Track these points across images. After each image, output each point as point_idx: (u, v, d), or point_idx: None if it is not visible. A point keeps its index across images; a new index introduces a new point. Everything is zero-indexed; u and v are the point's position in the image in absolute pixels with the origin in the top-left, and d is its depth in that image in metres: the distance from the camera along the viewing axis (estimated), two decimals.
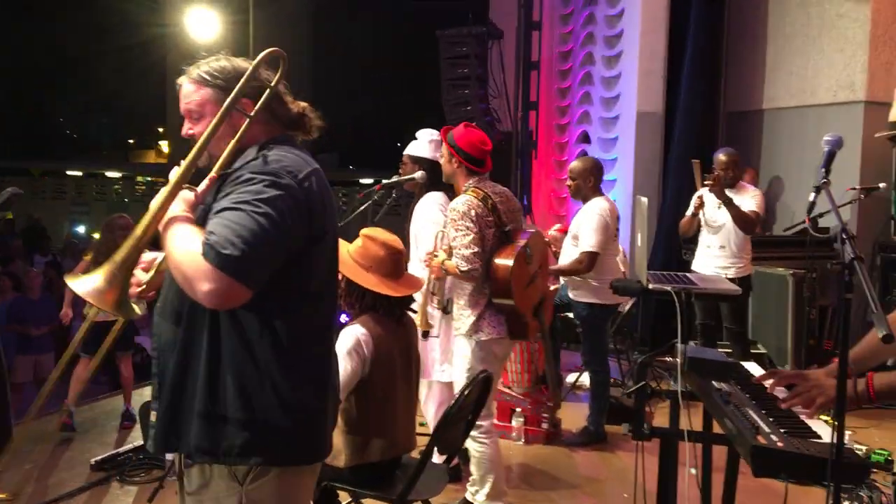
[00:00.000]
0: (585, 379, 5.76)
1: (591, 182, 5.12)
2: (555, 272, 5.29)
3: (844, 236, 1.92)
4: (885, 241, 6.68)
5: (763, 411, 2.24)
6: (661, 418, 4.59)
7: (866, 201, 6.38)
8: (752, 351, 6.36)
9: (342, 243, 3.03)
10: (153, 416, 2.02)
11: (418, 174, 4.36)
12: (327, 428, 2.11)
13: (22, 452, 4.92)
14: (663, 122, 7.96)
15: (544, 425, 5.21)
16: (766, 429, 2.09)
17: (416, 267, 4.19)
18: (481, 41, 8.94)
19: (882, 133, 6.63)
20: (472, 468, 3.90)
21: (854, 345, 2.30)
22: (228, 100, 1.96)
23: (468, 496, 3.95)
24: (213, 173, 1.96)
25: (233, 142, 1.97)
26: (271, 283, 1.86)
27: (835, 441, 1.84)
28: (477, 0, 9.85)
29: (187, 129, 2.05)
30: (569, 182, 5.24)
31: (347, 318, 3.24)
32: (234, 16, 16.18)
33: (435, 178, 4.21)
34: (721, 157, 5.72)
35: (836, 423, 1.86)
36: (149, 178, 30.35)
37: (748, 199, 5.62)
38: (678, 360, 2.63)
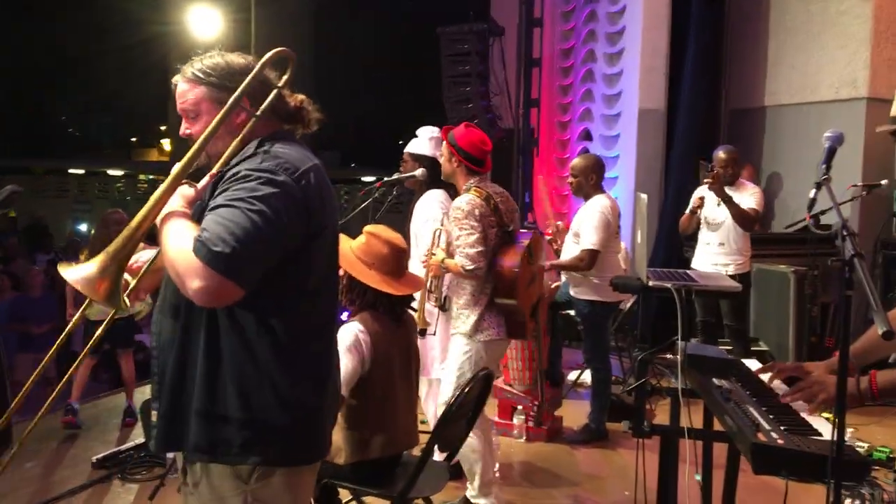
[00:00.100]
0: (587, 377, 5.76)
1: (592, 179, 5.12)
2: (556, 267, 5.29)
3: (845, 233, 1.92)
4: (886, 238, 6.66)
5: (763, 408, 2.24)
6: (662, 416, 4.59)
7: (868, 198, 6.36)
8: (754, 348, 6.36)
9: (345, 239, 3.03)
10: (154, 416, 2.00)
11: (419, 172, 4.36)
12: (327, 426, 2.10)
13: (24, 451, 4.92)
14: (665, 119, 7.94)
15: (530, 423, 5.21)
16: (767, 426, 2.09)
17: (417, 265, 4.19)
18: (482, 38, 8.92)
19: (883, 127, 6.62)
20: (461, 462, 3.90)
21: (855, 341, 2.30)
22: (231, 100, 1.94)
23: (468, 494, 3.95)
24: (213, 170, 1.95)
25: (236, 140, 1.97)
26: (269, 281, 1.85)
27: (835, 438, 1.84)
28: None
29: (184, 128, 2.04)
30: (570, 179, 5.24)
31: (347, 315, 3.23)
32: (236, 14, 16.19)
33: (435, 176, 4.20)
34: (720, 154, 5.72)
35: (836, 420, 1.85)
36: (151, 177, 30.36)
37: (747, 197, 5.62)
38: (678, 357, 2.62)
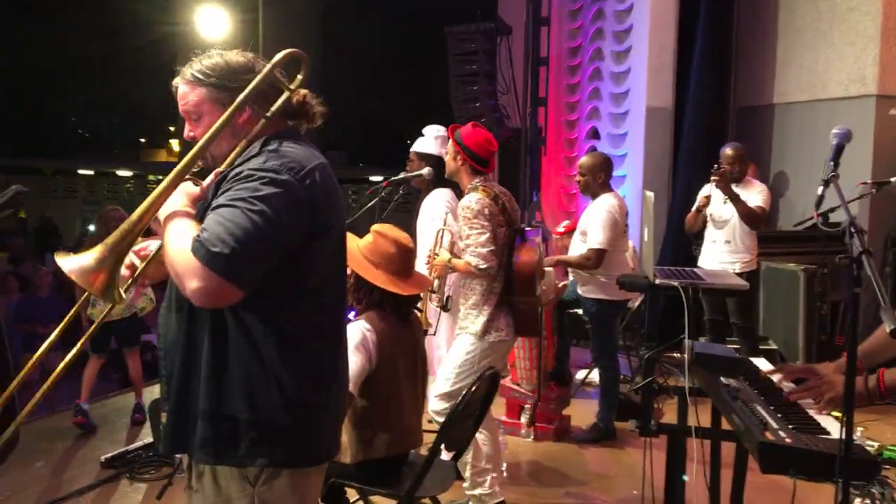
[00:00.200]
0: (595, 376, 5.75)
1: (600, 178, 5.10)
2: (562, 263, 5.29)
3: (853, 230, 1.90)
4: None
5: (771, 407, 2.23)
6: (670, 415, 4.57)
7: (878, 196, 6.30)
8: (763, 347, 6.33)
9: (352, 238, 3.01)
10: (163, 417, 1.99)
11: (425, 170, 4.36)
12: (334, 427, 2.08)
13: (33, 450, 4.95)
14: (673, 117, 7.92)
15: (523, 419, 5.19)
16: (775, 425, 2.08)
17: (422, 264, 4.19)
18: (489, 37, 8.90)
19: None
20: None
21: (864, 340, 2.28)
22: (236, 102, 1.92)
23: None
24: (218, 169, 1.94)
25: (244, 142, 1.95)
26: (275, 281, 1.83)
27: (844, 437, 1.83)
28: None
29: (188, 131, 2.02)
30: (578, 178, 5.23)
31: (354, 314, 3.23)
32: (244, 14, 16.19)
33: (442, 175, 4.21)
34: (727, 151, 5.70)
35: (844, 418, 1.84)
36: (160, 177, 30.18)
37: (754, 195, 5.60)
38: (686, 356, 2.61)
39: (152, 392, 5.73)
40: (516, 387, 5.29)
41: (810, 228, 6.32)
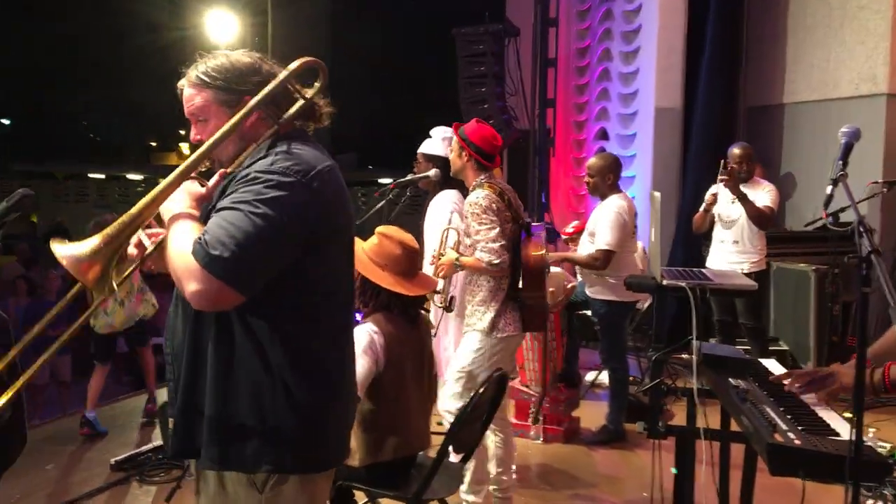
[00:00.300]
0: (604, 377, 5.73)
1: (609, 179, 5.09)
2: (569, 260, 5.28)
3: (862, 229, 1.89)
4: None
5: (781, 408, 2.21)
6: (681, 416, 4.55)
7: (889, 195, 6.27)
8: (774, 348, 6.30)
9: (357, 241, 3.01)
10: (171, 422, 1.97)
11: (432, 172, 4.35)
12: (342, 431, 2.05)
13: (43, 453, 4.97)
14: (682, 117, 7.90)
15: (531, 419, 5.18)
16: (784, 426, 2.06)
17: (428, 264, 4.18)
18: (498, 39, 8.91)
19: None
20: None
21: (875, 341, 2.27)
22: (246, 108, 1.88)
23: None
24: (224, 169, 1.91)
25: (253, 146, 1.93)
26: (282, 284, 1.81)
27: (853, 438, 1.81)
28: None
29: (195, 135, 1.98)
30: (587, 179, 5.21)
31: (361, 317, 3.22)
32: (253, 17, 16.24)
33: (449, 176, 4.19)
34: (735, 151, 5.67)
35: (855, 419, 1.82)
36: None
37: (762, 194, 5.57)
38: (694, 357, 2.60)
39: (161, 395, 5.75)
40: (525, 388, 5.27)
41: (821, 228, 6.28)
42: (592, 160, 5.26)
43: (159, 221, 1.89)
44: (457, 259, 3.78)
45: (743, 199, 5.43)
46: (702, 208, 5.75)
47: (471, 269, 3.75)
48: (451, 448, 3.06)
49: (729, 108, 7.91)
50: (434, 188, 4.43)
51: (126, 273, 1.89)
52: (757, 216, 5.47)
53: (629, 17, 8.48)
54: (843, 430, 2.03)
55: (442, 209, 4.31)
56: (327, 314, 1.94)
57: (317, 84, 1.97)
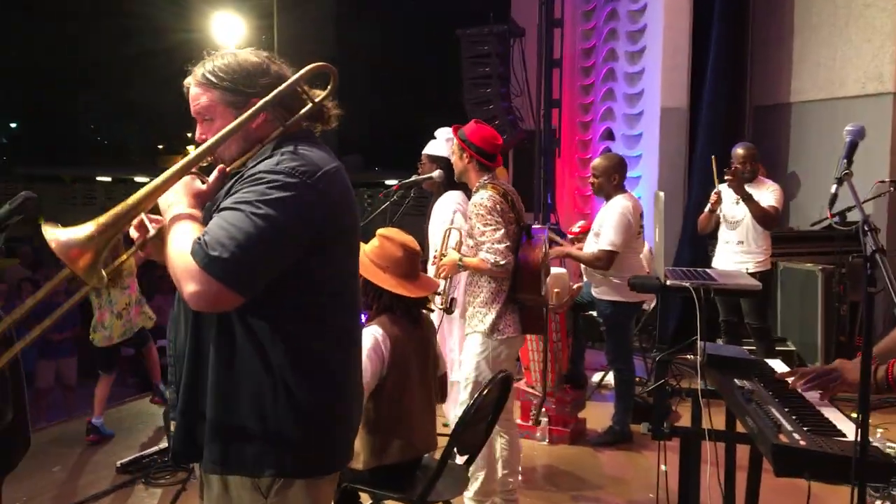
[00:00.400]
0: (611, 378, 5.71)
1: (615, 180, 5.07)
2: (571, 257, 5.27)
3: (866, 228, 1.87)
4: None
5: (786, 409, 2.20)
6: (687, 417, 4.54)
7: None
8: (781, 348, 6.27)
9: None
10: (173, 426, 1.95)
11: (436, 173, 4.34)
12: (347, 434, 2.01)
13: (49, 455, 4.98)
14: (688, 117, 7.87)
15: (530, 421, 5.17)
16: (789, 427, 2.05)
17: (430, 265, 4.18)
18: (503, 39, 8.89)
19: None
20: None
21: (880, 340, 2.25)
22: (252, 110, 1.86)
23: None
24: (223, 165, 1.89)
25: (259, 146, 1.91)
26: (286, 285, 1.79)
27: (859, 439, 1.80)
28: None
29: (200, 134, 1.96)
30: (592, 180, 5.20)
31: (365, 319, 3.21)
32: (259, 20, 16.27)
33: (453, 177, 4.18)
34: (739, 151, 5.65)
35: (860, 418, 1.81)
36: None
37: (767, 194, 5.55)
38: (698, 357, 2.58)
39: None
40: (531, 390, 5.26)
41: (828, 228, 6.26)
42: (597, 161, 5.25)
43: (156, 214, 1.87)
44: (459, 260, 3.77)
45: (747, 199, 5.41)
46: (707, 209, 5.74)
47: (474, 270, 3.74)
48: (455, 450, 3.06)
49: (735, 107, 7.89)
50: (438, 189, 4.42)
51: (122, 258, 1.86)
52: (762, 216, 5.45)
53: (634, 16, 8.45)
54: (849, 431, 2.01)
55: (445, 210, 4.30)
56: (332, 315, 1.92)
57: (328, 87, 1.95)
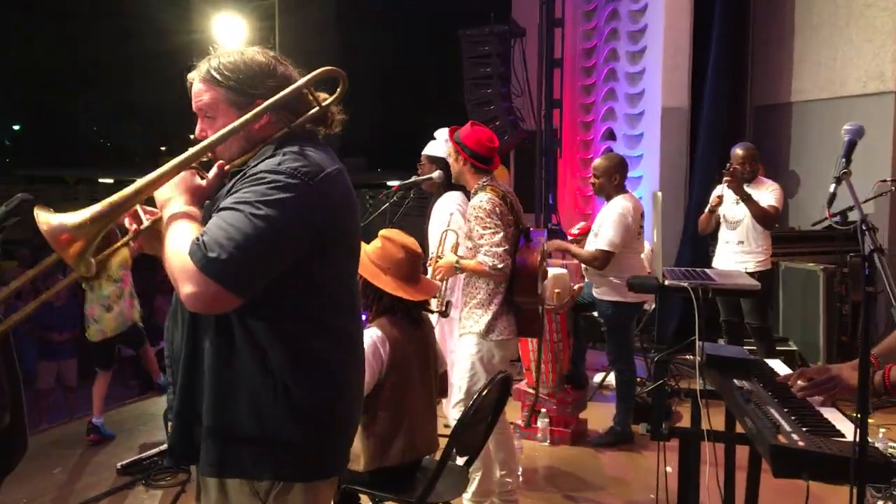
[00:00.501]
0: (612, 379, 5.70)
1: (616, 180, 5.06)
2: (568, 252, 5.27)
3: (864, 227, 1.87)
4: None
5: (785, 409, 2.19)
6: (688, 417, 4.53)
7: None
8: (783, 348, 6.25)
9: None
10: (170, 427, 1.93)
11: (436, 174, 4.33)
12: (347, 439, 1.99)
13: (50, 457, 4.98)
14: (689, 117, 7.86)
15: (539, 423, 5.16)
16: (788, 427, 2.04)
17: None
18: (503, 40, 8.88)
19: None
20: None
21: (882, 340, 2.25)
22: (255, 111, 1.83)
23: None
24: (222, 161, 1.87)
25: (261, 146, 1.89)
26: (285, 286, 1.77)
27: (858, 440, 1.79)
28: None
29: (200, 131, 1.93)
30: (593, 180, 5.18)
31: (365, 320, 3.20)
32: (261, 22, 16.26)
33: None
34: (738, 151, 5.64)
35: (859, 418, 1.80)
36: None
37: (766, 194, 5.53)
38: (697, 358, 2.57)
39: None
40: (532, 390, 5.25)
41: (829, 228, 6.25)
42: (598, 161, 5.24)
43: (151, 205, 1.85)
44: (457, 262, 3.76)
45: (747, 199, 5.39)
46: (707, 209, 5.73)
47: (472, 273, 3.73)
48: (455, 451, 3.05)
49: (736, 107, 7.90)
50: (438, 190, 4.41)
51: (112, 248, 1.85)
52: (761, 216, 5.43)
53: (635, 16, 8.44)
54: (848, 432, 2.00)
55: (444, 211, 4.30)
56: (332, 316, 1.90)
57: (337, 91, 1.92)
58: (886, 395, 2.11)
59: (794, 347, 6.39)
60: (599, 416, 5.45)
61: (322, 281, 1.86)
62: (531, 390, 5.24)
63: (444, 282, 3.96)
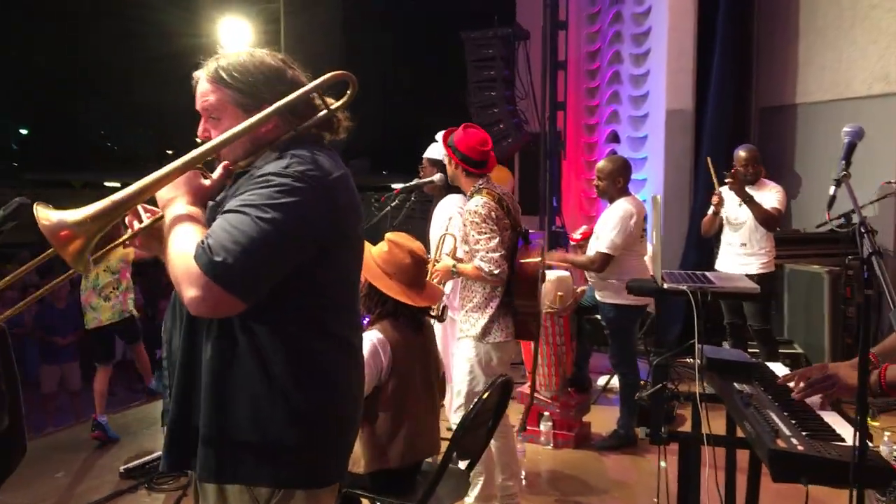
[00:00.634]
0: (616, 382, 5.68)
1: (619, 183, 5.05)
2: (568, 261, 5.25)
3: (863, 230, 1.86)
4: None
5: (785, 413, 2.18)
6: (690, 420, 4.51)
7: None
8: (788, 350, 6.23)
9: (366, 246, 2.96)
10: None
11: (437, 177, 4.33)
12: (347, 445, 1.97)
13: (53, 461, 4.99)
14: (693, 119, 7.83)
15: (542, 427, 5.14)
16: (787, 431, 2.03)
17: None
18: (507, 42, 8.88)
19: None
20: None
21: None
22: (263, 114, 1.80)
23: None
24: (226, 162, 1.85)
25: (266, 149, 1.86)
26: (288, 290, 1.75)
27: (857, 444, 1.78)
28: (503, 1, 9.78)
29: (203, 130, 1.91)
30: (596, 182, 5.17)
31: (367, 322, 3.20)
32: (266, 25, 16.30)
33: None
34: (741, 153, 5.62)
35: (858, 421, 1.79)
36: None
37: (769, 195, 5.50)
38: (696, 361, 2.56)
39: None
40: (535, 394, 5.23)
41: (833, 230, 6.23)
42: (602, 163, 5.22)
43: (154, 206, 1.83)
44: (453, 266, 3.75)
45: (749, 201, 5.37)
46: (710, 211, 5.71)
47: (468, 277, 3.73)
48: (456, 455, 3.04)
49: (740, 109, 7.86)
50: (439, 193, 4.41)
51: (111, 245, 1.83)
52: (764, 218, 5.41)
53: (639, 19, 8.43)
54: (848, 435, 1.99)
55: (444, 214, 4.30)
56: (333, 318, 1.88)
57: (346, 95, 1.89)
58: (882, 395, 2.10)
59: (799, 350, 6.36)
60: (603, 419, 5.43)
61: (325, 283, 1.84)
62: (535, 393, 5.23)
63: (441, 285, 3.96)
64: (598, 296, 5.12)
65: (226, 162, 1.86)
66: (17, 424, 2.34)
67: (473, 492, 3.77)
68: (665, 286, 3.05)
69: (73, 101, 40.22)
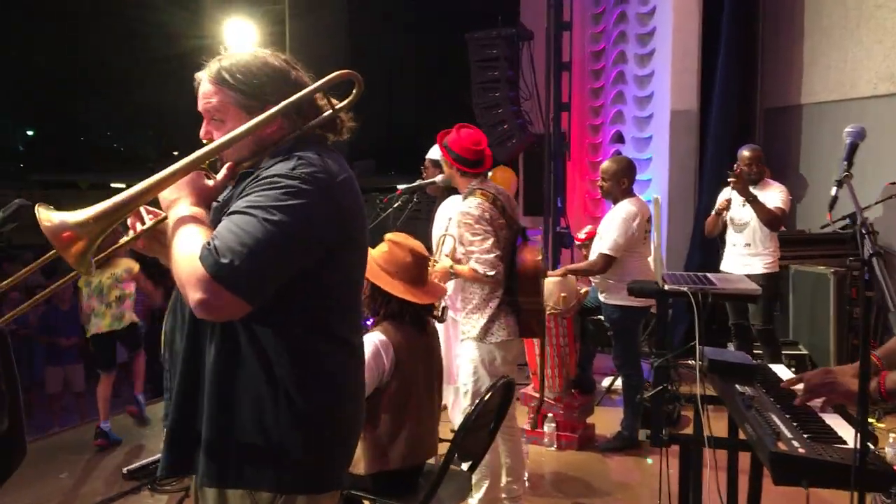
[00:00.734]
0: (620, 383, 5.66)
1: (624, 184, 5.04)
2: (570, 271, 5.23)
3: (864, 231, 1.84)
4: None
5: (787, 415, 2.17)
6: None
7: None
8: (793, 352, 6.21)
9: None
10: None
11: (439, 178, 4.33)
12: (350, 450, 1.96)
13: (57, 461, 4.99)
14: (698, 119, 7.81)
15: (546, 428, 5.14)
16: (789, 434, 2.02)
17: None
18: (511, 43, 8.83)
19: None
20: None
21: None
22: (267, 114, 1.79)
23: None
24: (231, 163, 1.84)
25: (271, 149, 1.85)
26: (292, 292, 1.74)
27: (858, 447, 1.77)
28: (507, 2, 9.76)
29: (205, 132, 1.89)
30: (601, 183, 5.16)
31: (371, 324, 3.19)
32: (271, 27, 16.30)
33: None
34: (745, 153, 5.60)
35: (859, 423, 1.78)
36: None
37: (773, 195, 5.49)
38: (697, 362, 2.55)
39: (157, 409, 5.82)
40: (538, 395, 5.22)
41: (839, 231, 6.21)
42: (606, 164, 5.21)
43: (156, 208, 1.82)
44: (451, 267, 3.75)
45: (753, 201, 5.35)
46: (714, 212, 5.70)
47: (465, 278, 3.73)
48: (457, 457, 3.03)
49: (746, 109, 7.85)
50: (442, 193, 4.41)
51: (115, 247, 1.83)
52: (767, 218, 5.39)
53: (643, 19, 8.41)
54: (850, 438, 1.98)
55: (445, 215, 4.30)
56: (337, 320, 1.87)
57: (351, 95, 1.88)
58: (881, 402, 2.09)
59: (805, 351, 6.34)
60: (607, 420, 5.42)
61: (330, 285, 1.83)
62: (538, 394, 5.22)
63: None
64: (601, 297, 5.11)
65: (230, 163, 1.85)
66: (17, 426, 2.34)
67: (477, 495, 3.76)
68: (666, 287, 3.03)
69: (74, 102, 40.32)
